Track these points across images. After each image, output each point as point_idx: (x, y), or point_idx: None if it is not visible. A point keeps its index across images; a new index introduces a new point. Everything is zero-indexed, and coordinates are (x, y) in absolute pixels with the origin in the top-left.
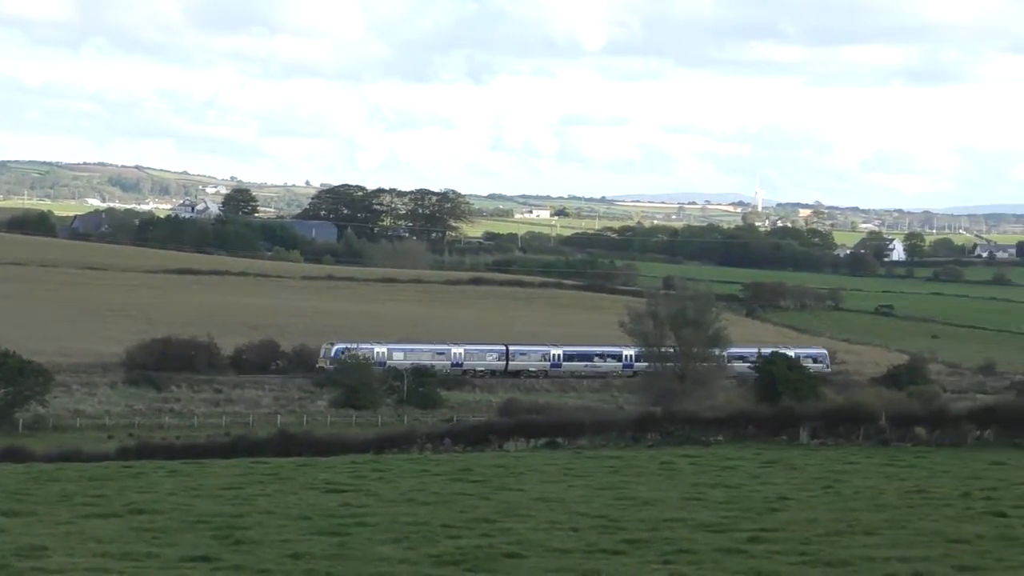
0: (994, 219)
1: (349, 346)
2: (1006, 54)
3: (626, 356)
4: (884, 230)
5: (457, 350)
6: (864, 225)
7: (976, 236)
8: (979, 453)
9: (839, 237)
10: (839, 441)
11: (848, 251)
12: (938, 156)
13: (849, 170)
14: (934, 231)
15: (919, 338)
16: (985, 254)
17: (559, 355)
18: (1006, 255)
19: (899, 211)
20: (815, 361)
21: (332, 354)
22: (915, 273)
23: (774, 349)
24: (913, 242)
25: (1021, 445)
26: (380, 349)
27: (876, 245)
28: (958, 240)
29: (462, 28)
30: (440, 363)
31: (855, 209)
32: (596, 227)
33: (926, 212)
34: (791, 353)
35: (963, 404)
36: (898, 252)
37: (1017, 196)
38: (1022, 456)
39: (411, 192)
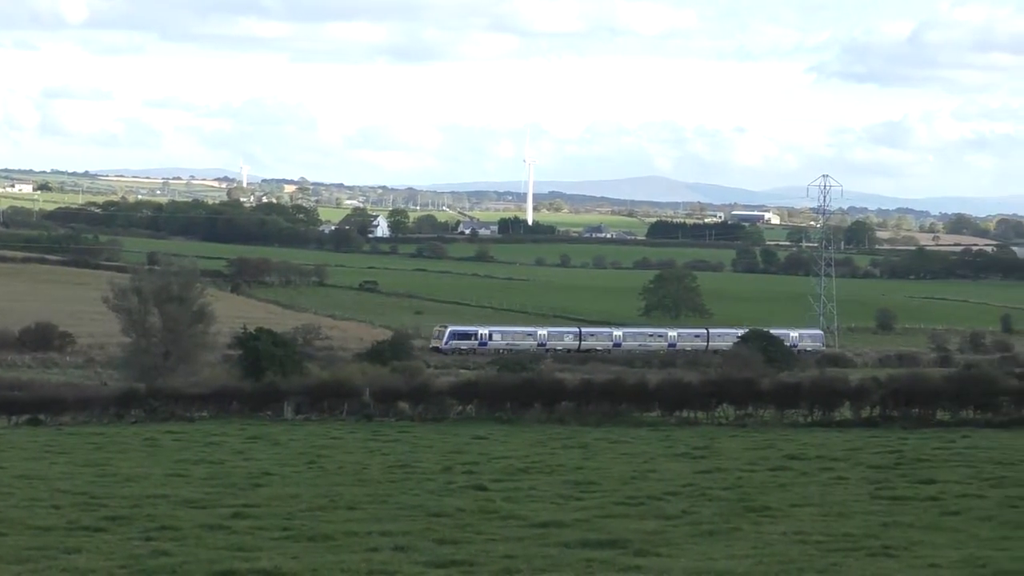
0: (477, 196)
1: (460, 328)
2: (487, 33)
3: None
4: (369, 206)
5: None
6: (349, 201)
7: (459, 213)
8: (461, 427)
9: (324, 213)
10: (323, 416)
11: (333, 227)
12: (422, 133)
13: (334, 147)
14: (418, 208)
15: (403, 313)
16: (468, 231)
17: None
18: (488, 232)
19: (384, 188)
20: (813, 341)
21: (446, 336)
22: (399, 249)
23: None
24: (397, 219)
25: (502, 419)
26: (483, 331)
27: (361, 221)
28: (441, 217)
29: None
30: (528, 343)
31: (340, 186)
32: (80, 202)
33: (410, 189)
34: (794, 334)
35: (446, 379)
36: (383, 228)
37: (499, 173)
38: (502, 430)
39: None
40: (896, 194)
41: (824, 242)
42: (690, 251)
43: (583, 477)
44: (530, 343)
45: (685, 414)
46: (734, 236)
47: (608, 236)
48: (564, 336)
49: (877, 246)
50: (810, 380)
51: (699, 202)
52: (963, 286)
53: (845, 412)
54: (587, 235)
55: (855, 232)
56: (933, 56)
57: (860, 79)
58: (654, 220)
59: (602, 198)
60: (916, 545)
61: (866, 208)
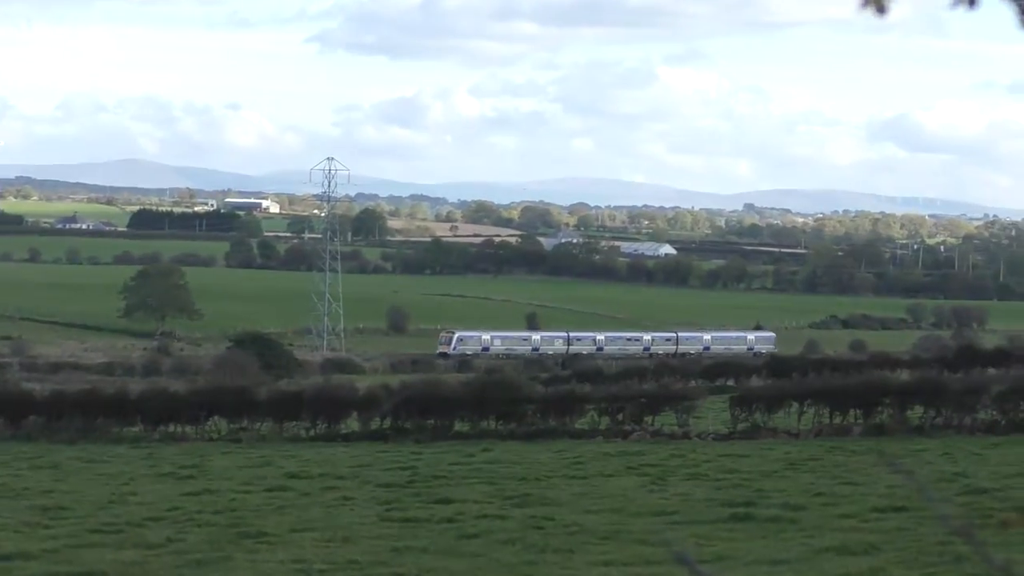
0: None
1: (466, 335)
2: None
3: None
4: None
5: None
6: None
7: None
8: None
9: None
10: None
11: None
12: None
13: None
14: None
15: None
16: None
17: None
18: None
19: None
20: (767, 343)
21: (453, 342)
22: None
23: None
24: None
25: None
26: (485, 336)
27: None
28: None
29: None
30: (524, 348)
31: None
32: None
33: None
34: (751, 337)
35: None
36: None
37: None
38: None
39: None
40: (410, 179)
41: (329, 233)
42: (178, 244)
43: (53, 502)
44: (526, 348)
45: (172, 428)
46: (228, 227)
47: (84, 227)
48: (555, 341)
49: (389, 237)
50: (313, 389)
51: (188, 188)
52: (484, 282)
53: (352, 424)
54: (60, 226)
55: (364, 221)
56: (450, 25)
57: (369, 50)
58: (137, 209)
59: (78, 184)
60: (430, 572)
61: (377, 195)
